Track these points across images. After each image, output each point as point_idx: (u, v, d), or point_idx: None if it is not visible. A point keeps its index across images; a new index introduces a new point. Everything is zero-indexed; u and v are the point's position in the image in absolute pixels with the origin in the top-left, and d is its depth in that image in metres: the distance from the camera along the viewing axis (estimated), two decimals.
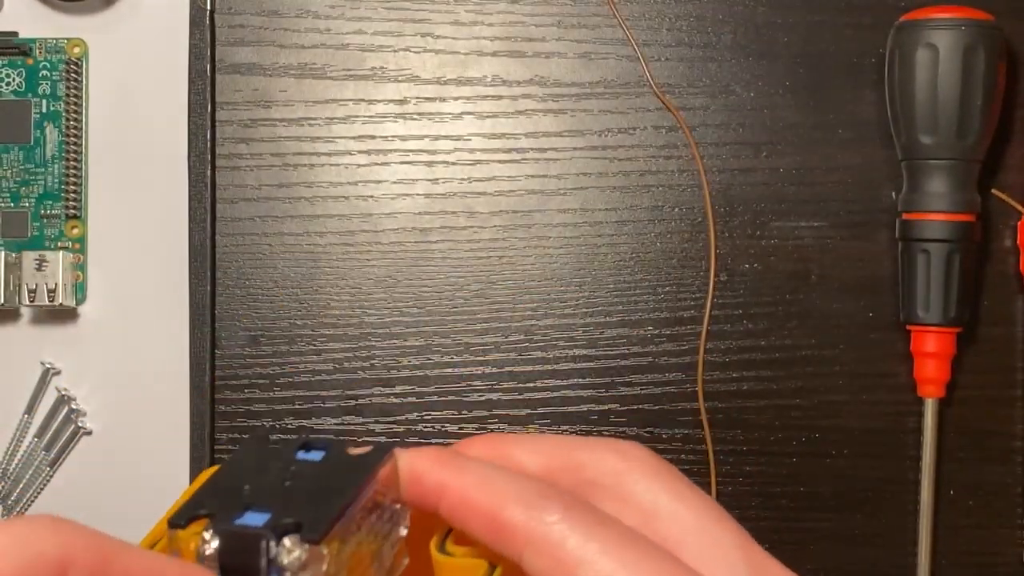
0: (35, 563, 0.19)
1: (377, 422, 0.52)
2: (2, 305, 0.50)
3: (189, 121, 0.51)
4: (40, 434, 0.51)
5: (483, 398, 0.52)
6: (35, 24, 0.52)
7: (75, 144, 0.51)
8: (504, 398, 0.52)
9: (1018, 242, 0.51)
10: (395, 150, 0.52)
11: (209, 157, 0.51)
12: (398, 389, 0.52)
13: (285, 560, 0.22)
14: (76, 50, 0.52)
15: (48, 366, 0.51)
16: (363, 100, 0.52)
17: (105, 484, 0.51)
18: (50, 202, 0.51)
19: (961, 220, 0.49)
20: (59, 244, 0.51)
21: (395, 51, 0.52)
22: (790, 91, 0.52)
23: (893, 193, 0.51)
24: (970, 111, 0.48)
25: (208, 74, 0.51)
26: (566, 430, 0.52)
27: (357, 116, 0.52)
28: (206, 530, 0.22)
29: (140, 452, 0.51)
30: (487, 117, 0.52)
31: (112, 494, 0.51)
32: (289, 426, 0.52)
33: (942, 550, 0.51)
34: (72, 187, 0.51)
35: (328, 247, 0.52)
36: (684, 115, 0.52)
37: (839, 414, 0.51)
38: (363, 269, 0.52)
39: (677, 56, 0.52)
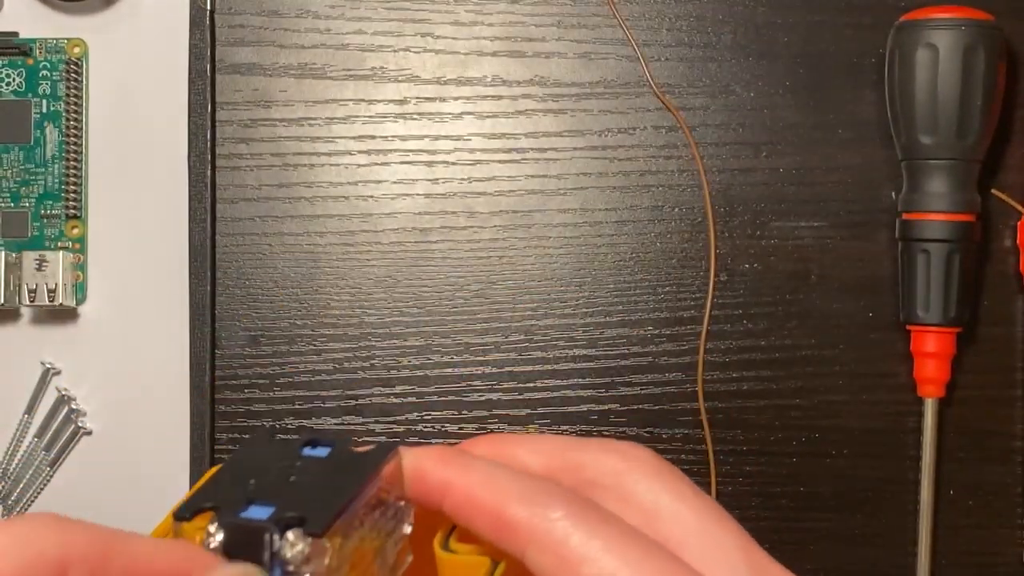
0: (35, 563, 0.19)
1: (377, 422, 0.52)
2: (2, 305, 0.50)
3: (189, 121, 0.51)
4: (40, 434, 0.51)
5: (483, 398, 0.52)
6: (35, 24, 0.52)
7: (75, 144, 0.51)
8: (504, 398, 0.52)
9: (1018, 242, 0.51)
10: (395, 150, 0.52)
11: (209, 157, 0.51)
12: (398, 389, 0.52)
13: (288, 554, 0.22)
14: (76, 50, 0.52)
15: (48, 366, 0.51)
16: (363, 100, 0.52)
17: (105, 484, 0.51)
18: (50, 202, 0.51)
19: (961, 220, 0.49)
20: (59, 244, 0.51)
21: (395, 51, 0.53)
22: (790, 91, 0.52)
23: (893, 193, 0.51)
24: (970, 111, 0.48)
25: (208, 74, 0.51)
26: (566, 430, 0.52)
27: (357, 116, 0.52)
28: (211, 523, 0.22)
29: (140, 452, 0.51)
30: (487, 117, 0.52)
31: (112, 494, 0.51)
32: (289, 426, 0.52)
33: (942, 550, 0.51)
34: (72, 187, 0.51)
35: (328, 247, 0.52)
36: (684, 115, 0.52)
37: (839, 414, 0.51)
38: (363, 269, 0.52)
39: (677, 56, 0.52)
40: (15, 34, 0.52)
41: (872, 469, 0.51)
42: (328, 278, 0.52)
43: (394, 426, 0.52)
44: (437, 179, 0.52)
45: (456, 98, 0.52)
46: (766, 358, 0.52)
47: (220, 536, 0.22)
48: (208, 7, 0.51)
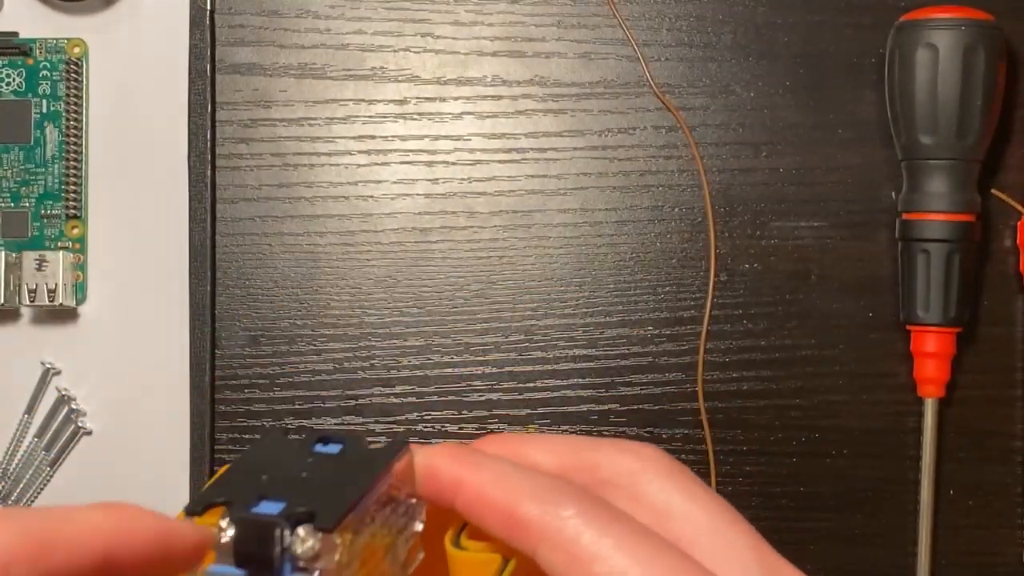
0: None
1: (377, 422, 0.52)
2: (2, 305, 0.50)
3: (189, 121, 0.51)
4: (40, 434, 0.51)
5: (483, 398, 0.52)
6: (35, 24, 0.52)
7: (75, 144, 0.51)
8: (504, 398, 0.52)
9: (1018, 242, 0.51)
10: (395, 150, 0.52)
11: (209, 157, 0.51)
12: (398, 389, 0.52)
13: (299, 549, 0.22)
14: (76, 50, 0.52)
15: (48, 366, 0.51)
16: (363, 100, 0.52)
17: (105, 484, 0.51)
18: (50, 202, 0.51)
19: (961, 220, 0.49)
20: (59, 244, 0.51)
21: (395, 51, 0.53)
22: (790, 91, 0.52)
23: (893, 193, 0.51)
24: (970, 111, 0.48)
25: (208, 74, 0.51)
26: (566, 430, 0.52)
27: (357, 116, 0.52)
28: (222, 518, 0.22)
29: (140, 452, 0.51)
30: (487, 117, 0.52)
31: (112, 494, 0.51)
32: (289, 426, 0.52)
33: (942, 550, 0.51)
34: (72, 187, 0.51)
35: (328, 247, 0.52)
36: (684, 115, 0.52)
37: (839, 414, 0.51)
38: (363, 269, 0.52)
39: (677, 56, 0.52)
40: (15, 34, 0.52)
41: (872, 469, 0.51)
42: (328, 278, 0.52)
43: (394, 426, 0.52)
44: (437, 179, 0.52)
45: (456, 98, 0.52)
46: (766, 358, 0.52)
47: (231, 531, 0.22)
48: (208, 7, 0.51)
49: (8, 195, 0.51)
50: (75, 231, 0.52)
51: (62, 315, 0.51)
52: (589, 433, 0.52)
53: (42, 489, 0.51)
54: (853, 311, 0.52)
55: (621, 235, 0.52)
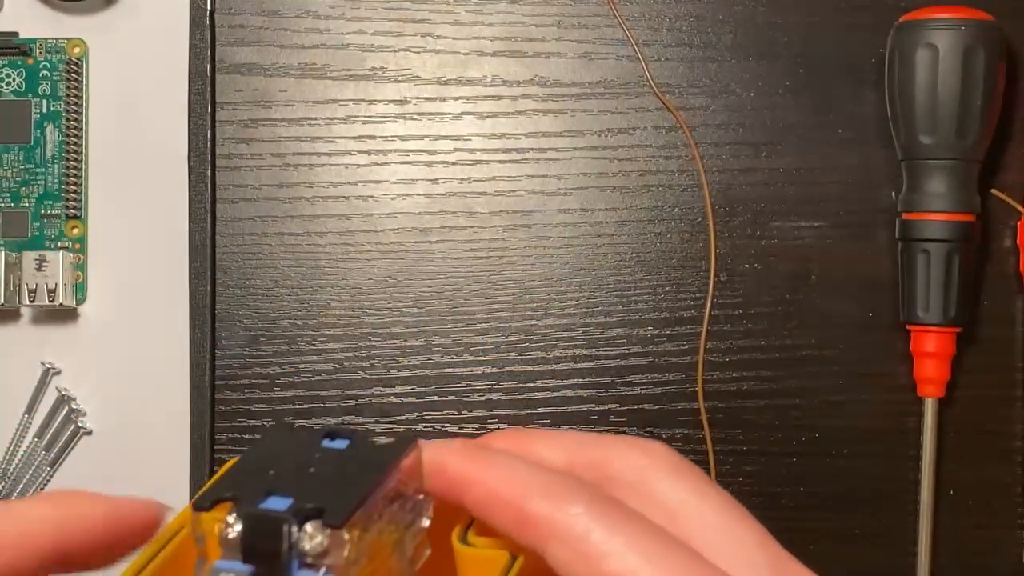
0: None
1: (377, 422, 0.52)
2: (2, 305, 0.50)
3: (189, 121, 0.51)
4: (40, 434, 0.51)
5: (483, 398, 0.52)
6: (35, 24, 0.52)
7: (75, 144, 0.51)
8: (504, 398, 0.52)
9: (1018, 242, 0.51)
10: (395, 150, 0.52)
11: (209, 157, 0.51)
12: (398, 389, 0.52)
13: (306, 545, 0.22)
14: (76, 50, 0.52)
15: (48, 366, 0.51)
16: (363, 100, 0.52)
17: (105, 484, 0.51)
18: (50, 202, 0.51)
19: (961, 220, 0.49)
20: (59, 244, 0.51)
21: (395, 51, 0.53)
22: (790, 91, 0.52)
23: (893, 193, 0.51)
24: (970, 111, 0.48)
25: (208, 74, 0.51)
26: (567, 430, 0.52)
27: (357, 116, 0.52)
28: (229, 514, 0.22)
29: (140, 452, 0.51)
30: (487, 117, 0.52)
31: (112, 494, 0.51)
32: (293, 431, 0.52)
33: (942, 550, 0.51)
34: (72, 187, 0.51)
35: (328, 247, 0.52)
36: (684, 115, 0.52)
37: (839, 414, 0.51)
38: (363, 269, 0.52)
39: (677, 56, 0.52)
40: (15, 34, 0.52)
41: (872, 469, 0.51)
42: (328, 278, 0.52)
43: (394, 426, 0.52)
44: (437, 179, 0.52)
45: (456, 98, 0.52)
46: (766, 358, 0.52)
47: (238, 527, 0.22)
48: (208, 7, 0.51)
49: (8, 195, 0.51)
50: (75, 231, 0.52)
51: (62, 315, 0.51)
52: None
53: (42, 489, 0.51)
54: (853, 311, 0.52)
55: (621, 235, 0.52)
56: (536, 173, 0.52)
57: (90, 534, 0.21)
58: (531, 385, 0.52)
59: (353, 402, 0.52)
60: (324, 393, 0.52)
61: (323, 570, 0.22)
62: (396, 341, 0.52)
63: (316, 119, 0.52)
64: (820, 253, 0.52)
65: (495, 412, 0.52)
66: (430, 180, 0.52)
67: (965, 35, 0.47)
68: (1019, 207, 0.51)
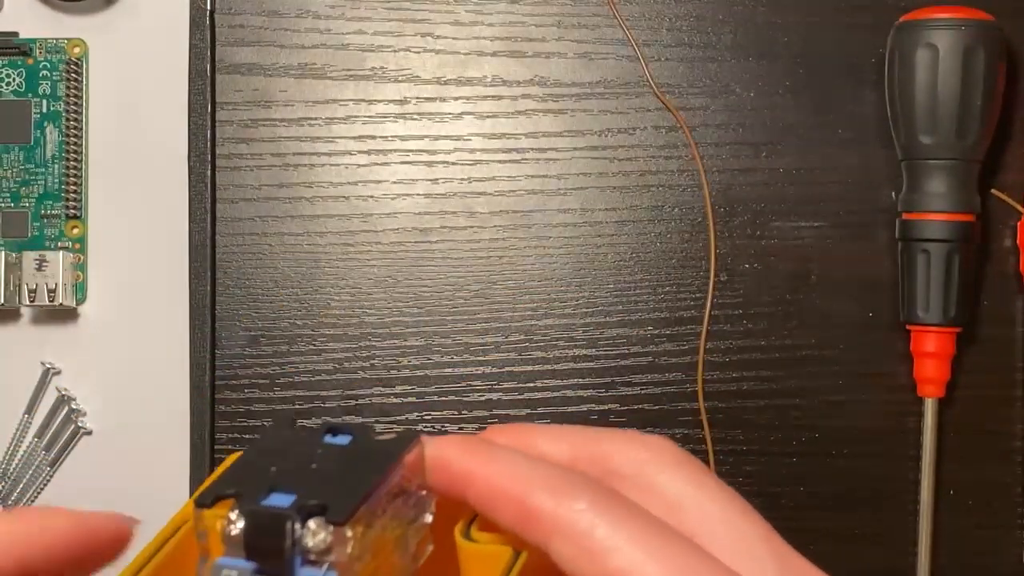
0: None
1: (377, 422, 0.52)
2: (2, 305, 0.50)
3: (189, 121, 0.51)
4: (40, 434, 0.51)
5: (483, 398, 0.52)
6: (35, 24, 0.52)
7: (75, 144, 0.51)
8: (504, 398, 0.52)
9: (1018, 242, 0.51)
10: (395, 150, 0.52)
11: (209, 157, 0.51)
12: (398, 389, 0.52)
13: (310, 542, 0.22)
14: (76, 50, 0.52)
15: (48, 366, 0.51)
16: (363, 100, 0.52)
17: (105, 484, 0.51)
18: (50, 202, 0.51)
19: (961, 220, 0.49)
20: (59, 244, 0.51)
21: (395, 51, 0.53)
22: (790, 91, 0.52)
23: (893, 193, 0.51)
24: (970, 111, 0.48)
25: (208, 74, 0.51)
26: None
27: (357, 116, 0.52)
28: (232, 510, 0.22)
29: (140, 452, 0.51)
30: (487, 117, 0.52)
31: (112, 494, 0.51)
32: (294, 427, 0.52)
33: (942, 550, 0.51)
34: (72, 187, 0.51)
35: (328, 247, 0.52)
36: (684, 115, 0.52)
37: (839, 414, 0.51)
38: (363, 269, 0.52)
39: (677, 56, 0.52)
40: (15, 34, 0.52)
41: (872, 469, 0.51)
42: (328, 278, 0.52)
43: (394, 426, 0.52)
44: (437, 179, 0.52)
45: (456, 98, 0.52)
46: (766, 358, 0.52)
47: (241, 524, 0.22)
48: (208, 7, 0.51)
49: (8, 195, 0.51)
50: (75, 231, 0.52)
51: (62, 315, 0.51)
52: None
53: (42, 489, 0.51)
54: (853, 311, 0.52)
55: (621, 235, 0.52)
56: (536, 173, 0.52)
57: (55, 549, 0.21)
58: (531, 385, 0.52)
59: (353, 402, 0.52)
60: (324, 393, 0.52)
61: (326, 567, 0.22)
62: (396, 341, 0.52)
63: (316, 119, 0.52)
64: (820, 253, 0.52)
65: (495, 412, 0.52)
66: (430, 180, 0.52)
67: (965, 35, 0.47)
68: (1019, 207, 0.51)
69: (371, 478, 0.23)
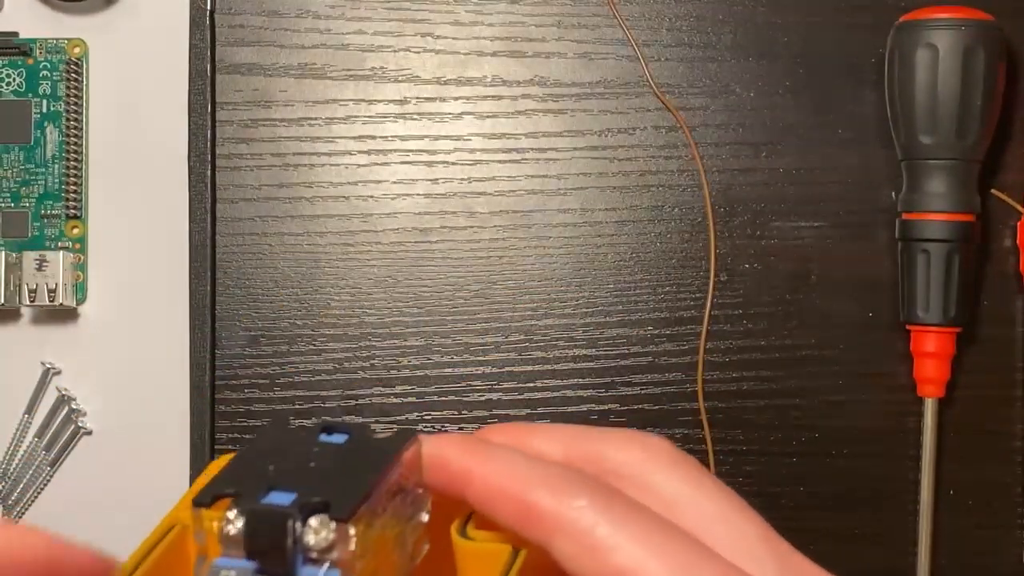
0: None
1: (377, 422, 0.52)
2: (2, 305, 0.50)
3: (189, 121, 0.51)
4: (40, 434, 0.51)
5: (483, 398, 0.52)
6: (35, 24, 0.52)
7: (75, 144, 0.51)
8: (504, 398, 0.52)
9: (1018, 242, 0.51)
10: (395, 150, 0.52)
11: (209, 157, 0.51)
12: (398, 389, 0.52)
13: (311, 540, 0.21)
14: (76, 50, 0.52)
15: (48, 366, 0.51)
16: (363, 100, 0.52)
17: (105, 484, 0.51)
18: (50, 202, 0.51)
19: (961, 220, 0.49)
20: (59, 244, 0.51)
21: (395, 51, 0.53)
22: (790, 91, 0.52)
23: (893, 193, 0.51)
24: (970, 111, 0.48)
25: (208, 74, 0.51)
26: None
27: (357, 116, 0.52)
28: (229, 510, 0.22)
29: (140, 452, 0.51)
30: (487, 117, 0.52)
31: (112, 494, 0.51)
32: (290, 426, 0.52)
33: (942, 550, 0.51)
34: (72, 187, 0.51)
35: (328, 247, 0.52)
36: (684, 115, 0.52)
37: (839, 414, 0.51)
38: (363, 269, 0.52)
39: (677, 56, 0.52)
40: (15, 34, 0.52)
41: (872, 469, 0.51)
42: (328, 278, 0.52)
43: (394, 426, 0.52)
44: (437, 179, 0.52)
45: (456, 98, 0.52)
46: (766, 358, 0.52)
47: (240, 523, 0.22)
48: (208, 7, 0.51)
49: (8, 195, 0.51)
50: (75, 231, 0.52)
51: (62, 315, 0.51)
52: None
53: (42, 489, 0.51)
54: (853, 311, 0.52)
55: (621, 235, 0.52)
56: (536, 173, 0.52)
57: (26, 572, 0.20)
58: (531, 385, 0.52)
59: (353, 402, 0.52)
60: (324, 393, 0.52)
61: (327, 565, 0.22)
62: (396, 341, 0.52)
63: (316, 119, 0.52)
64: (820, 253, 0.52)
65: (495, 412, 0.52)
66: (430, 180, 0.52)
67: (965, 35, 0.47)
68: (1019, 207, 0.51)
69: (372, 475, 0.23)
